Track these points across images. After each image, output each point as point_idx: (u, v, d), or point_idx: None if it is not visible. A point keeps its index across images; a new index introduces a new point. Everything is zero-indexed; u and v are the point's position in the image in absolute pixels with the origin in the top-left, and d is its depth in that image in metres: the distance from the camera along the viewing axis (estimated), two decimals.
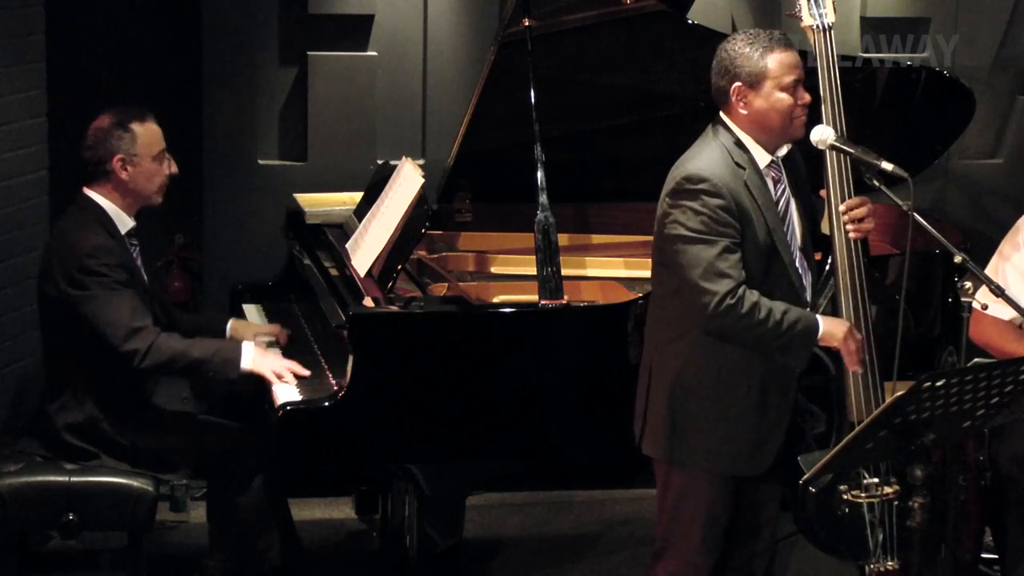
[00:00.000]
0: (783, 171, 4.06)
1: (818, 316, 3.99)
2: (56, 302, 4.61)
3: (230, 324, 5.01)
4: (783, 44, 3.96)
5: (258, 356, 4.64)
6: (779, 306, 3.91)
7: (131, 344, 4.52)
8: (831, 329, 3.96)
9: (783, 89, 3.94)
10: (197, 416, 4.85)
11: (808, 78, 4.06)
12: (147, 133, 4.67)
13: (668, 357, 4.06)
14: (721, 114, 4.03)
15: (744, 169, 3.96)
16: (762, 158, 4.00)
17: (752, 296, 3.88)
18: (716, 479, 4.05)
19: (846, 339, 3.97)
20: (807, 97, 3.98)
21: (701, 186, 3.90)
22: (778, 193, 4.02)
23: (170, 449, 4.69)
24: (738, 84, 3.96)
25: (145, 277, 4.77)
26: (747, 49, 3.95)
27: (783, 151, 4.05)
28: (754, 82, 3.95)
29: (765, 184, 3.99)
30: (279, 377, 4.56)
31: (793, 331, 3.91)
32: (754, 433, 4.01)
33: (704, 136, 4.04)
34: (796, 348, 3.95)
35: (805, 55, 4.08)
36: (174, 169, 4.75)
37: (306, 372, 4.61)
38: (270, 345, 4.87)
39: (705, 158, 3.96)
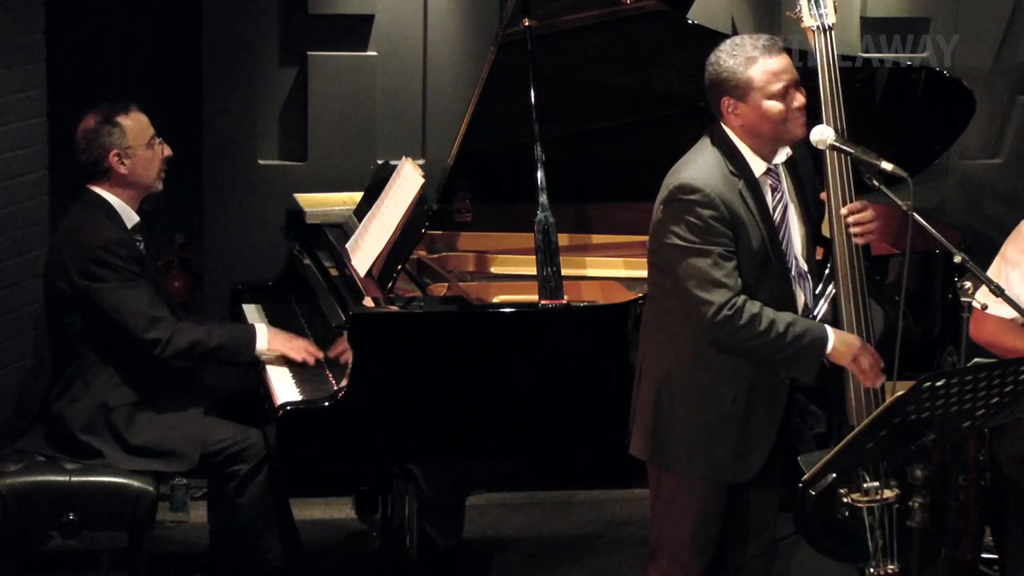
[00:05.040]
0: (781, 178, 4.03)
1: (828, 329, 3.93)
2: (66, 296, 4.64)
3: None
4: (767, 51, 3.88)
5: (273, 336, 4.74)
6: (784, 317, 3.88)
7: (153, 333, 4.58)
8: (841, 346, 3.92)
9: (771, 97, 3.88)
10: (200, 413, 4.85)
11: (808, 78, 4.05)
12: (135, 124, 4.71)
13: (659, 358, 4.05)
14: (719, 122, 4.00)
15: (739, 178, 3.93)
16: (758, 166, 3.97)
17: (753, 307, 3.86)
18: (706, 481, 4.04)
19: (857, 358, 3.93)
20: (801, 99, 3.91)
21: (694, 197, 3.87)
22: (775, 201, 3.99)
23: (174, 442, 4.68)
24: (726, 98, 3.93)
25: (152, 270, 4.81)
26: (731, 62, 3.89)
27: (782, 157, 4.01)
28: (741, 95, 3.90)
29: (761, 192, 3.96)
30: (296, 355, 4.67)
31: (799, 344, 3.88)
32: (737, 442, 3.99)
33: (702, 141, 4.01)
34: (802, 362, 3.91)
35: (806, 56, 4.07)
36: (168, 152, 4.81)
37: (320, 353, 4.72)
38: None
39: (700, 166, 3.93)
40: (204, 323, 4.87)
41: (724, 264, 3.86)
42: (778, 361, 3.91)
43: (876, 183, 3.97)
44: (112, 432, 4.64)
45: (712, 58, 3.95)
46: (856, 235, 4.01)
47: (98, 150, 4.68)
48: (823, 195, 4.09)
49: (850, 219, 4.00)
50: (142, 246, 4.77)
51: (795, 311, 4.00)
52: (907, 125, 5.37)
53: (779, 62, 3.89)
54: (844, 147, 3.97)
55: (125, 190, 4.73)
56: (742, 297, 3.86)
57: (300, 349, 4.71)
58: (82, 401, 4.65)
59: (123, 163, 4.69)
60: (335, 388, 4.48)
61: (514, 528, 5.73)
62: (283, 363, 4.74)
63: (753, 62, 3.88)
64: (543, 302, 4.46)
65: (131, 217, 4.75)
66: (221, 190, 6.08)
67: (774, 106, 3.89)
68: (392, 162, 5.12)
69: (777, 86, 3.88)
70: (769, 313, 3.87)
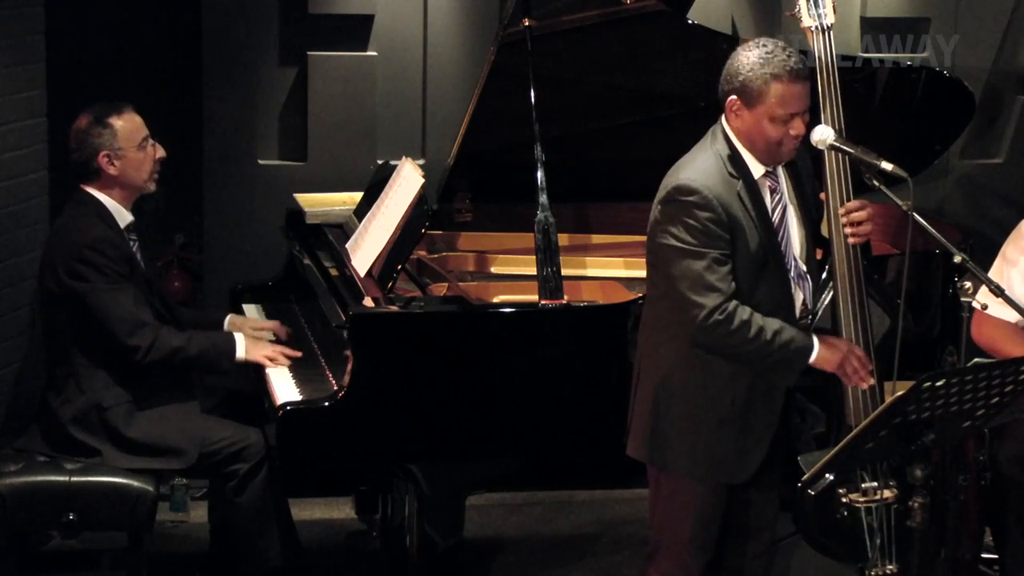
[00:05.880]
0: (781, 180, 4.03)
1: (814, 338, 3.94)
2: (56, 295, 4.64)
3: (228, 319, 5.04)
4: (794, 75, 3.84)
5: (250, 345, 4.77)
6: (772, 324, 3.88)
7: (135, 339, 4.59)
8: (826, 355, 3.92)
9: (774, 119, 3.86)
10: (196, 410, 4.85)
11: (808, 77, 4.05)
12: (126, 125, 4.71)
13: (657, 359, 4.05)
14: (722, 118, 3.99)
15: (738, 179, 3.92)
16: (757, 168, 3.96)
17: (743, 313, 3.86)
18: (705, 482, 4.03)
19: (842, 364, 3.93)
20: (800, 128, 3.89)
21: (691, 198, 3.87)
22: (773, 203, 3.99)
23: (172, 439, 4.68)
24: (734, 97, 3.92)
25: (143, 269, 4.80)
26: (757, 67, 3.86)
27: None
28: (749, 101, 3.88)
29: (760, 194, 3.95)
30: (273, 360, 4.72)
31: (785, 351, 3.89)
32: (736, 442, 3.99)
33: (703, 141, 4.01)
34: (786, 368, 3.93)
35: (805, 55, 4.07)
36: (161, 154, 4.80)
37: (297, 353, 4.77)
38: (273, 341, 4.90)
39: (699, 167, 3.92)
40: (186, 329, 4.85)
41: (718, 268, 3.85)
42: (764, 366, 3.92)
43: (876, 183, 3.96)
44: (108, 431, 4.63)
45: (742, 51, 3.92)
46: (849, 234, 4.00)
47: (88, 150, 4.68)
48: (822, 195, 4.09)
49: (843, 219, 4.00)
50: (136, 245, 4.77)
51: (794, 312, 4.00)
52: (907, 125, 5.37)
53: (799, 89, 3.86)
54: (844, 147, 3.97)
55: (116, 190, 4.73)
56: (733, 302, 3.86)
57: (275, 356, 4.75)
58: (77, 401, 4.64)
59: (113, 164, 4.69)
60: (335, 388, 4.48)
61: (514, 528, 5.73)
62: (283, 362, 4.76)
63: (776, 80, 3.85)
64: (543, 302, 4.46)
65: (124, 216, 4.75)
66: (221, 190, 6.08)
67: (772, 128, 3.88)
68: (392, 162, 5.12)
69: (784, 112, 3.86)
70: (758, 319, 3.87)
